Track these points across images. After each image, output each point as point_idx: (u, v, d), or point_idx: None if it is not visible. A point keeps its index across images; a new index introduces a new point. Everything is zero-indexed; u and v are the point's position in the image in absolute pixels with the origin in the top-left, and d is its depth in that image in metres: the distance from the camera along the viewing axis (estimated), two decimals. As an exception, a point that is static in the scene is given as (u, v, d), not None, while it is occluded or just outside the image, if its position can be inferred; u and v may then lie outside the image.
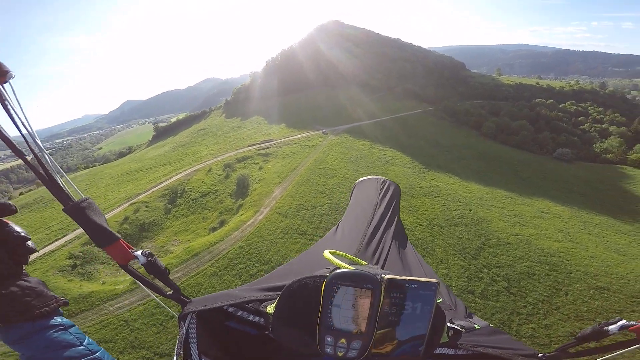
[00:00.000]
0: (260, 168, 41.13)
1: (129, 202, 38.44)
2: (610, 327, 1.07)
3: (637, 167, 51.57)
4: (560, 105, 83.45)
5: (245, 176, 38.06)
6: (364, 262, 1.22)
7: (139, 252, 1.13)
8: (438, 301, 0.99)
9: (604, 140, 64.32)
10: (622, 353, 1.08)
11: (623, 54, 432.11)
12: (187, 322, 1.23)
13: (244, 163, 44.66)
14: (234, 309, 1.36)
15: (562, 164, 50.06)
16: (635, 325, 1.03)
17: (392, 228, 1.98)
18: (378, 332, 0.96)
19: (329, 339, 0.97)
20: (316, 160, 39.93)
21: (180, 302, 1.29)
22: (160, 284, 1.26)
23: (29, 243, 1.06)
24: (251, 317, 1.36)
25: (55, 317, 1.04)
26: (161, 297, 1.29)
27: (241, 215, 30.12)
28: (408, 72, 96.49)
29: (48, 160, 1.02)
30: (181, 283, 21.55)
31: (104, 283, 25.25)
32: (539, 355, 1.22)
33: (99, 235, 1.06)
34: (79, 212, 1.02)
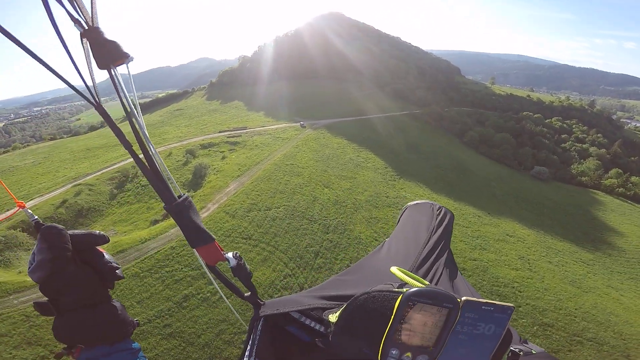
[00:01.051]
0: (224, 158, 37.89)
1: (74, 183, 34.79)
2: None
3: (609, 193, 51.07)
4: (547, 121, 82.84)
5: (204, 165, 34.80)
6: (427, 282, 1.10)
7: (230, 255, 1.16)
8: None
9: (582, 161, 63.89)
10: None
11: (618, 74, 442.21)
12: (259, 325, 1.29)
13: (209, 150, 41.27)
14: (299, 314, 1.38)
15: (537, 183, 48.86)
16: None
17: (445, 256, 1.95)
18: (446, 348, 0.95)
19: (394, 352, 0.94)
20: (285, 155, 36.99)
21: (255, 304, 1.33)
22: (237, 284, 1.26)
23: (118, 272, 1.09)
24: (313, 323, 1.37)
25: (128, 340, 1.08)
26: (231, 298, 1.07)
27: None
28: (401, 71, 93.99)
29: (156, 156, 1.01)
30: None
31: (20, 272, 22.22)
32: None
33: (195, 235, 1.07)
34: (181, 211, 1.03)
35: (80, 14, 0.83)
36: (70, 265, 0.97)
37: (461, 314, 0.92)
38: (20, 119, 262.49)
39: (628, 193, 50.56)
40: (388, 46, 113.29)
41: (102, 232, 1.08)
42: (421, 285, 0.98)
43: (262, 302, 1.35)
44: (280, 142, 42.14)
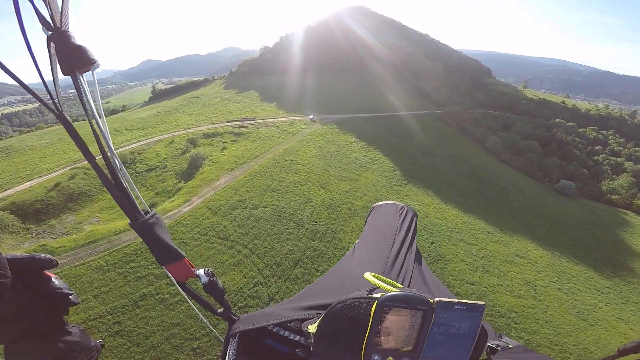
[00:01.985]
0: (224, 149, 36.43)
1: (72, 166, 34.47)
2: None
3: None
4: (580, 130, 76.26)
5: (201, 155, 33.45)
6: (400, 285, 1.17)
7: (201, 271, 1.13)
8: None
9: (615, 177, 57.88)
10: None
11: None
12: (235, 341, 1.26)
13: (211, 140, 40.00)
14: (276, 327, 1.38)
15: (561, 198, 44.27)
16: None
17: (413, 252, 2.00)
18: (425, 351, 0.98)
19: (375, 357, 0.96)
20: (287, 149, 35.03)
21: (229, 320, 1.32)
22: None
23: (71, 297, 1.03)
24: (292, 335, 1.36)
25: None
26: (206, 315, 1.09)
27: (171, 201, 25.75)
28: (426, 69, 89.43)
29: (119, 166, 0.95)
30: (60, 272, 18.01)
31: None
32: None
33: (163, 253, 1.03)
34: (147, 229, 0.99)
35: (51, 16, 0.80)
36: (9, 292, 0.89)
37: (436, 315, 0.94)
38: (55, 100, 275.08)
39: (661, 215, 45.14)
40: (413, 42, 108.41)
41: (47, 256, 1.01)
42: (395, 289, 1.01)
43: (236, 318, 1.32)
44: (285, 136, 40.22)
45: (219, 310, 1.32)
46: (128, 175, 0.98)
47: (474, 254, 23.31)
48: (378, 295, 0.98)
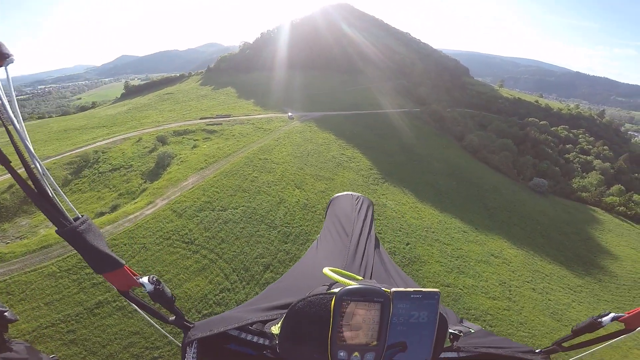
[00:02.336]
0: (194, 147, 34.72)
1: (32, 165, 31.85)
2: (603, 319, 1.15)
3: (609, 211, 47.34)
4: (552, 129, 78.62)
5: (169, 154, 31.67)
6: (360, 277, 1.19)
7: (145, 279, 1.08)
8: None
9: (584, 175, 59.91)
10: (613, 342, 1.15)
11: (632, 84, 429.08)
12: (192, 349, 1.21)
13: (182, 137, 38.11)
14: (237, 331, 1.33)
15: (535, 196, 45.16)
16: (624, 316, 1.13)
17: (372, 241, 2.00)
18: (389, 342, 0.98)
19: (342, 354, 0.96)
20: (262, 147, 33.74)
21: (183, 327, 1.25)
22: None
23: (7, 314, 0.97)
24: (255, 338, 1.33)
25: None
26: (160, 323, 1.23)
27: (134, 203, 24.01)
28: (405, 67, 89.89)
29: (41, 170, 0.88)
30: (9, 278, 16.77)
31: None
32: (537, 350, 1.28)
33: (98, 261, 0.96)
34: (76, 236, 0.91)
35: None
36: None
37: (394, 306, 0.95)
38: (22, 97, 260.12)
39: (629, 212, 46.61)
40: (395, 40, 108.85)
41: None
42: (353, 283, 1.00)
43: (191, 325, 1.26)
44: (261, 134, 38.87)
45: (170, 319, 1.22)
46: (52, 179, 0.89)
47: (449, 254, 22.97)
48: (337, 290, 0.97)
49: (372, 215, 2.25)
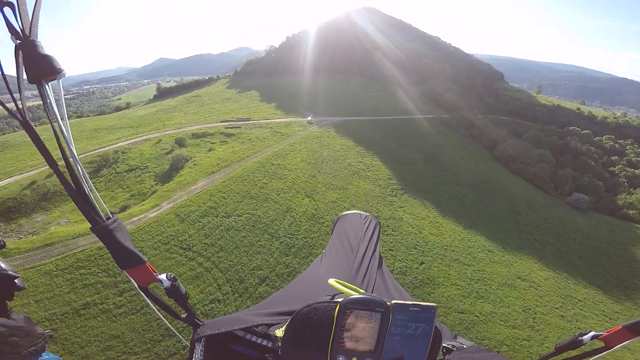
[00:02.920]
0: (210, 150, 34.47)
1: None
2: (584, 337, 1.23)
3: None
4: (596, 138, 71.83)
5: (184, 157, 31.52)
6: (362, 291, 1.23)
7: (163, 276, 1.14)
8: None
9: (632, 190, 53.66)
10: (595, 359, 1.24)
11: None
12: (201, 345, 1.27)
13: (200, 140, 38.12)
14: (243, 332, 1.38)
15: (573, 213, 40.79)
16: (603, 334, 1.21)
17: (376, 260, 2.07)
18: (385, 350, 1.03)
19: (340, 358, 1.01)
20: (276, 152, 32.83)
21: (193, 325, 1.32)
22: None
23: (17, 281, 1.05)
24: (260, 340, 1.37)
25: (42, 355, 1.02)
26: (172, 321, 1.35)
27: (141, 205, 23.79)
28: (434, 71, 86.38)
29: (81, 171, 0.98)
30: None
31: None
32: None
33: (124, 257, 1.04)
34: (107, 233, 1.00)
35: (20, 23, 0.84)
36: None
37: (393, 317, 1.00)
38: (68, 96, 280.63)
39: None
40: (423, 44, 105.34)
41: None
42: (355, 293, 1.07)
43: (200, 323, 1.32)
44: (277, 138, 38.07)
45: (182, 316, 1.30)
46: (90, 181, 0.99)
47: (468, 277, 20.57)
48: (341, 299, 1.03)
49: (379, 235, 2.32)
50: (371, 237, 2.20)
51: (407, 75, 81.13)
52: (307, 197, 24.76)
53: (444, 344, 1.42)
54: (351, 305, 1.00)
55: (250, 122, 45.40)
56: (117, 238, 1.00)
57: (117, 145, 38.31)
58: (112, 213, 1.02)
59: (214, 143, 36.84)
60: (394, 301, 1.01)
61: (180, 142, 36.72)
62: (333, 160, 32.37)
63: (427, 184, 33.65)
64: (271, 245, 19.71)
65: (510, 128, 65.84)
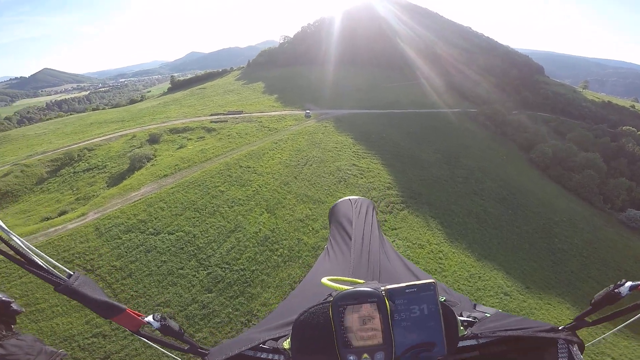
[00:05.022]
0: (180, 147, 29.92)
1: (15, 163, 30.24)
2: (621, 289, 1.04)
3: None
4: (655, 141, 59.98)
5: (146, 155, 27.20)
6: (361, 281, 1.24)
7: (150, 318, 1.10)
8: (442, 299, 1.07)
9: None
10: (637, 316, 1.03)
11: None
12: None
13: (177, 136, 33.75)
14: (252, 352, 1.32)
15: (627, 234, 31.97)
16: None
17: (376, 240, 2.01)
18: (397, 339, 0.97)
19: (351, 358, 0.96)
20: (252, 152, 27.59)
21: (199, 354, 1.28)
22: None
23: (13, 305, 1.03)
24: (270, 356, 1.31)
25: None
26: (179, 353, 1.28)
27: (74, 211, 19.66)
28: (462, 61, 76.95)
29: (21, 243, 0.97)
30: None
31: None
32: (560, 328, 1.17)
33: (101, 309, 1.02)
34: (73, 292, 0.97)
35: None
36: None
37: (392, 303, 0.96)
38: (103, 89, 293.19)
39: None
40: (450, 32, 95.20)
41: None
42: (347, 288, 1.02)
43: (206, 352, 1.27)
44: (263, 134, 32.78)
45: (185, 348, 1.25)
46: (34, 248, 0.97)
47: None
48: (331, 298, 0.99)
49: (373, 214, 2.22)
50: (365, 219, 2.09)
51: (432, 66, 72.67)
52: (267, 213, 19.26)
53: (463, 317, 1.31)
54: (342, 302, 0.95)
55: (241, 115, 40.48)
56: (85, 293, 0.96)
57: (92, 141, 34.96)
58: (72, 271, 0.98)
59: (190, 139, 32.29)
60: (387, 287, 0.96)
61: (153, 138, 32.54)
62: (320, 162, 26.52)
63: (438, 195, 26.92)
64: (194, 275, 14.71)
65: (551, 126, 56.27)
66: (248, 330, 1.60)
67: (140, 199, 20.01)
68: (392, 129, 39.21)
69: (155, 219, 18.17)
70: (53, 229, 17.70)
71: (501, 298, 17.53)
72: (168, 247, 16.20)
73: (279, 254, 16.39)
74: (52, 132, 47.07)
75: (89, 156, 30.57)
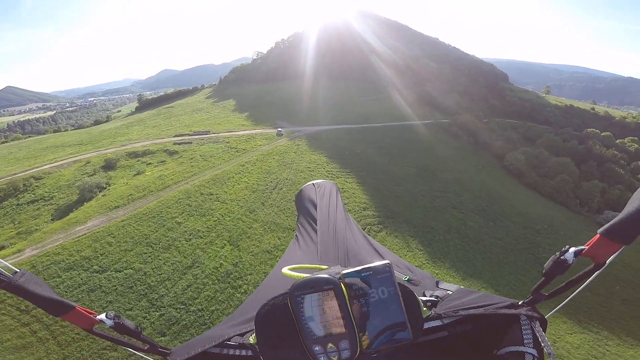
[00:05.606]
0: (138, 173, 27.39)
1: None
2: (566, 256, 0.98)
3: None
4: (617, 141, 62.88)
5: (93, 185, 24.42)
6: (325, 267, 1.19)
7: (102, 316, 1.07)
8: (405, 279, 1.07)
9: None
10: (589, 284, 1.01)
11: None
12: None
13: (136, 160, 31.08)
14: (218, 348, 1.28)
15: None
16: (585, 248, 0.95)
17: (342, 222, 1.97)
18: (359, 326, 0.94)
19: (317, 349, 0.94)
20: (216, 177, 25.50)
21: (160, 354, 1.26)
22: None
23: None
24: (237, 352, 1.29)
25: None
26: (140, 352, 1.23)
27: (11, 247, 17.02)
28: (431, 72, 78.54)
29: None
30: None
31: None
32: (519, 303, 1.16)
33: (49, 307, 0.98)
34: (18, 289, 0.95)
35: None
36: None
37: (349, 289, 0.92)
38: (70, 108, 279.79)
39: None
40: (419, 45, 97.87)
41: None
42: (304, 276, 0.98)
43: (167, 351, 1.23)
44: (229, 156, 30.74)
45: (145, 348, 1.21)
46: None
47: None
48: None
49: (337, 195, 2.20)
50: (329, 201, 2.07)
51: (403, 78, 73.66)
52: (230, 245, 17.22)
53: (425, 298, 1.28)
54: (298, 292, 0.92)
55: (207, 135, 38.32)
56: (32, 290, 0.93)
57: (43, 167, 31.71)
58: (19, 268, 0.97)
59: (149, 164, 29.75)
60: (342, 271, 0.92)
61: (109, 164, 29.77)
62: (291, 184, 24.76)
63: (417, 211, 25.77)
64: (145, 317, 12.76)
65: (520, 132, 57.50)
66: (215, 326, 1.47)
67: (85, 234, 17.61)
68: (365, 145, 38.29)
69: (101, 255, 15.92)
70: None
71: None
72: (115, 285, 14.01)
73: (242, 290, 14.35)
74: (3, 157, 42.98)
75: (36, 186, 27.43)
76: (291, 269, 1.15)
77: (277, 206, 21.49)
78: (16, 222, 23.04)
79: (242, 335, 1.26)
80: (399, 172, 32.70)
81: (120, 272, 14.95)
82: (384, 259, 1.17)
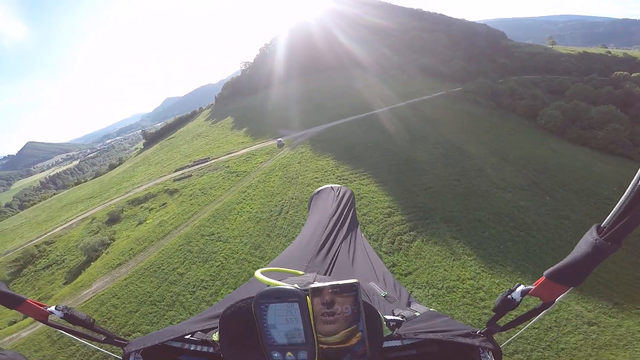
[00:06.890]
0: (140, 223, 25.74)
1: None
2: (513, 295, 1.02)
3: None
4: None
5: (96, 244, 22.99)
6: (301, 272, 1.23)
7: (52, 308, 1.13)
8: (383, 295, 1.11)
9: None
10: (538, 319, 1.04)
11: None
12: None
13: (139, 207, 29.62)
14: (180, 343, 1.29)
15: None
16: (532, 288, 0.97)
17: (344, 231, 2.01)
18: (320, 339, 0.96)
19: (276, 355, 0.97)
20: (217, 212, 23.34)
21: (118, 345, 1.27)
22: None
23: None
24: (199, 347, 1.29)
25: None
26: (97, 344, 1.25)
27: (15, 322, 16.12)
28: (426, 42, 73.42)
29: None
30: None
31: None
32: (477, 332, 1.19)
33: (4, 300, 1.05)
34: None
35: None
36: None
37: (317, 302, 0.93)
38: (92, 154, 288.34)
39: None
40: (404, 18, 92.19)
41: None
42: (273, 285, 0.99)
43: (125, 342, 1.25)
44: (229, 183, 28.47)
45: (102, 339, 1.24)
46: None
47: None
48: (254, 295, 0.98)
49: (352, 203, 2.24)
50: (342, 209, 2.11)
51: (399, 54, 69.30)
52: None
53: (391, 317, 1.31)
54: (263, 300, 0.92)
55: (206, 163, 36.41)
56: None
57: (54, 231, 31.22)
58: None
59: (152, 209, 28.14)
60: (312, 285, 0.93)
61: (113, 217, 28.46)
62: (297, 205, 22.06)
63: (455, 203, 21.64)
64: None
65: (542, 87, 52.17)
66: (179, 323, 1.45)
67: (91, 298, 16.70)
68: (377, 133, 34.99)
69: (108, 319, 14.97)
70: (8, 338, 15.69)
71: (586, 332, 12.90)
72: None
73: None
74: (27, 222, 43.52)
75: (49, 251, 26.84)
76: (265, 272, 1.12)
77: (284, 236, 18.95)
78: (36, 289, 22.35)
79: (205, 331, 1.25)
80: (423, 157, 28.95)
81: (129, 336, 13.32)
82: (379, 281, 1.27)
